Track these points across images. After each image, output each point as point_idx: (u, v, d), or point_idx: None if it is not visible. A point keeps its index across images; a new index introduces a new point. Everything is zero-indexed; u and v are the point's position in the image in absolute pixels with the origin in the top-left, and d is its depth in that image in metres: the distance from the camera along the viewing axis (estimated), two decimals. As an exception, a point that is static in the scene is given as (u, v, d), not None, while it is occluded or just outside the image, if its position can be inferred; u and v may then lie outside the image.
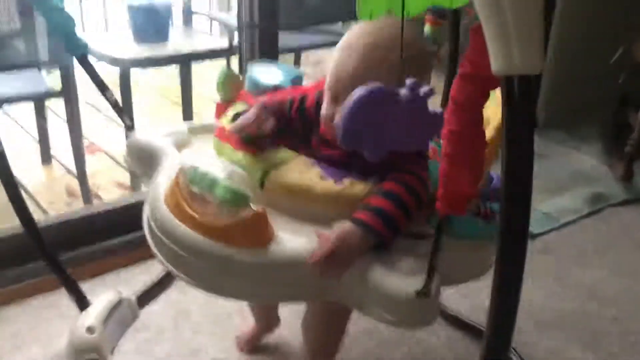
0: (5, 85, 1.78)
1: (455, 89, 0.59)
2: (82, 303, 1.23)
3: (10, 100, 1.84)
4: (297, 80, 1.10)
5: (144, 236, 1.48)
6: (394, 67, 0.79)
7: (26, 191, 1.95)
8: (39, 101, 1.94)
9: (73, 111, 1.82)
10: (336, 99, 0.83)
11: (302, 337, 1.05)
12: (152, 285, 1.40)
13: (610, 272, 1.55)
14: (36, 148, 2.23)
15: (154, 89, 3.06)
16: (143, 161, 1.00)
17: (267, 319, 1.24)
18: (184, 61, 1.94)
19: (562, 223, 1.76)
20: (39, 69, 1.92)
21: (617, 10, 2.29)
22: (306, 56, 2.59)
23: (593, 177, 2.05)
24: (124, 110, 1.12)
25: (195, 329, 1.29)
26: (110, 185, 2.05)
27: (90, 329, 1.17)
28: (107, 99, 1.08)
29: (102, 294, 1.27)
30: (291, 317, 1.31)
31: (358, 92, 0.69)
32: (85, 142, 2.12)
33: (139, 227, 1.49)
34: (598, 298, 1.45)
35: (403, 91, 0.72)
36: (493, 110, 0.92)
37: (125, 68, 1.77)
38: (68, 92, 1.76)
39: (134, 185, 1.94)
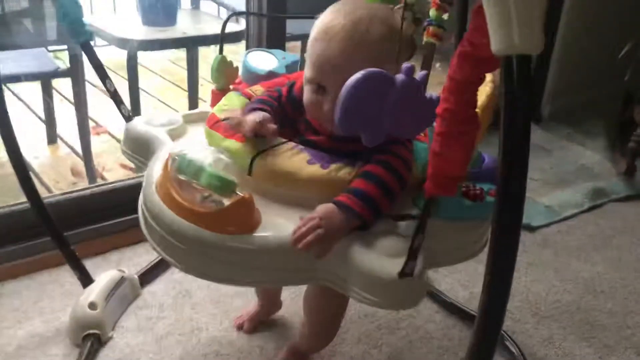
0: (13, 64, 1.79)
1: (453, 68, 0.60)
2: (86, 280, 1.26)
3: (18, 78, 1.85)
4: (292, 66, 1.11)
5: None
6: (373, 49, 0.80)
7: (32, 170, 1.97)
8: (46, 80, 1.95)
9: (80, 91, 1.83)
10: (321, 88, 0.83)
11: (303, 315, 1.06)
12: (154, 264, 1.42)
13: (609, 266, 1.56)
14: (42, 128, 2.25)
15: (160, 72, 3.07)
16: (139, 150, 1.02)
17: (270, 302, 1.26)
18: (192, 44, 1.94)
19: (563, 217, 1.77)
20: (47, 49, 1.93)
21: (625, 6, 2.28)
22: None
23: (596, 172, 2.05)
24: (130, 93, 1.14)
25: (196, 308, 1.31)
26: (115, 166, 2.07)
27: (92, 305, 1.19)
28: (107, 87, 1.09)
29: (105, 272, 1.29)
30: (289, 298, 1.33)
31: (355, 76, 0.70)
32: (91, 124, 2.13)
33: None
34: (596, 291, 1.46)
35: (399, 76, 0.73)
36: (481, 90, 0.92)
37: (132, 50, 1.77)
38: (76, 72, 1.77)
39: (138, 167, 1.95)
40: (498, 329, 0.63)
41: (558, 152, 2.18)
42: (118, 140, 2.28)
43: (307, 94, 0.86)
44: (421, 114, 0.75)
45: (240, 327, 1.25)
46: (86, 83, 1.93)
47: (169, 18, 1.94)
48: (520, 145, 0.52)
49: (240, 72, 1.10)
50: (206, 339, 1.22)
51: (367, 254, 0.74)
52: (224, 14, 2.87)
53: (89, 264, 1.31)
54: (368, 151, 0.82)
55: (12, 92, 2.54)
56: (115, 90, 1.09)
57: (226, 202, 0.76)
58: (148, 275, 1.39)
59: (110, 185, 1.59)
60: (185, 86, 2.75)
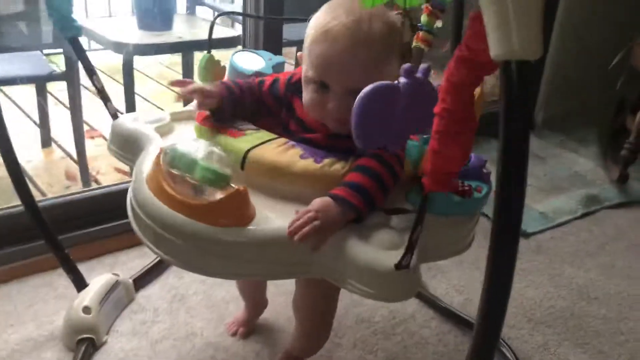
0: (8, 67, 1.78)
1: (451, 71, 0.61)
2: (80, 284, 1.25)
3: (13, 81, 1.85)
4: (278, 67, 1.12)
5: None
6: (375, 47, 0.81)
7: (25, 173, 1.96)
8: (41, 84, 1.94)
9: (75, 95, 1.83)
10: (324, 86, 0.84)
11: (295, 315, 1.06)
12: (148, 268, 1.42)
13: (602, 273, 1.57)
14: (36, 131, 2.24)
15: (155, 76, 3.07)
16: (126, 148, 1.01)
17: (255, 301, 1.26)
18: (188, 49, 1.94)
19: (557, 223, 1.78)
20: (42, 52, 1.93)
21: (618, 16, 2.30)
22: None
23: (589, 179, 2.06)
24: (126, 96, 1.14)
25: (191, 313, 1.30)
26: (109, 170, 2.06)
27: (86, 309, 1.19)
28: (94, 84, 1.09)
29: (99, 276, 1.29)
30: (284, 303, 1.33)
31: (361, 96, 0.71)
32: (85, 127, 2.13)
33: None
34: (590, 298, 1.47)
35: (401, 79, 0.74)
36: None
37: (128, 55, 1.77)
38: (71, 76, 1.77)
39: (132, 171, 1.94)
40: (497, 335, 0.63)
41: (551, 159, 2.19)
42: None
43: (309, 94, 0.87)
44: (431, 106, 0.76)
45: (234, 334, 1.24)
46: (81, 87, 1.93)
47: (165, 23, 1.94)
48: (519, 151, 0.53)
49: (227, 72, 1.11)
50: (201, 344, 1.22)
51: (363, 247, 0.75)
52: (220, 19, 2.89)
53: (83, 268, 1.30)
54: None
55: (6, 95, 2.54)
56: (102, 87, 1.09)
57: (220, 195, 0.76)
58: (142, 279, 1.39)
59: (104, 189, 1.59)
60: (178, 90, 2.76)
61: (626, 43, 2.11)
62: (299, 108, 0.92)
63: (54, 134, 2.22)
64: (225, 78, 1.10)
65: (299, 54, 0.91)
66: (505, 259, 0.57)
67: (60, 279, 1.35)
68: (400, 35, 0.86)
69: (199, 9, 2.68)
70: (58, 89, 2.45)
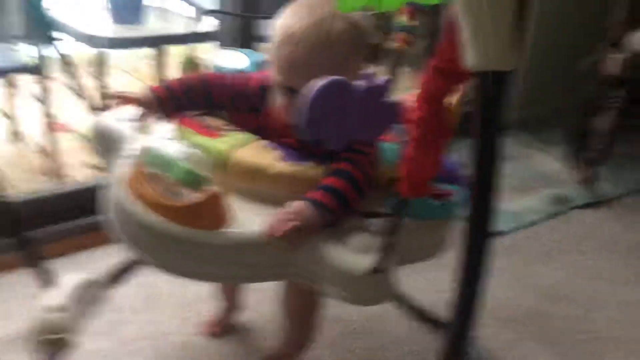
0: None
1: (425, 80, 0.62)
2: (50, 282, 1.23)
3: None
4: (262, 66, 1.12)
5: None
6: (338, 48, 0.81)
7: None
8: (10, 76, 1.90)
9: (46, 89, 1.79)
10: (291, 91, 0.84)
11: (282, 315, 1.07)
12: (122, 266, 1.39)
13: (570, 272, 1.61)
14: (3, 124, 2.19)
15: (127, 69, 3.03)
16: (106, 144, 1.00)
17: (232, 302, 1.26)
18: (162, 43, 1.92)
19: (528, 222, 1.81)
20: (13, 45, 1.88)
21: (588, 21, 2.35)
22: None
23: (557, 179, 2.11)
24: (100, 90, 1.12)
25: (166, 312, 1.30)
26: (79, 165, 2.03)
27: (56, 308, 1.16)
28: (73, 79, 1.08)
29: (70, 274, 1.27)
30: (259, 301, 1.33)
31: (315, 85, 0.72)
32: (57, 122, 2.09)
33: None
34: (555, 297, 1.50)
35: (359, 82, 0.75)
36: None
37: (102, 48, 1.75)
38: (43, 69, 1.73)
39: (105, 167, 1.92)
40: (468, 333, 0.65)
41: (521, 159, 2.23)
42: (84, 139, 2.24)
43: (278, 98, 0.87)
44: (383, 117, 0.77)
45: (208, 334, 1.24)
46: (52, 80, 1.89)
47: (138, 16, 1.91)
48: (492, 158, 0.54)
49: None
50: (175, 343, 1.21)
51: (339, 250, 0.76)
52: (194, 13, 2.85)
53: (54, 266, 1.28)
54: (338, 152, 0.84)
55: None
56: (82, 83, 1.08)
57: (197, 196, 0.76)
58: (115, 278, 1.36)
59: (76, 185, 1.57)
60: (152, 84, 2.73)
61: (595, 47, 2.15)
62: (270, 116, 0.92)
63: (23, 127, 2.18)
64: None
65: (266, 58, 0.91)
66: (477, 259, 0.58)
67: (27, 277, 1.32)
68: (364, 34, 0.87)
69: (170, 3, 2.64)
70: (28, 82, 2.41)
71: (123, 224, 0.80)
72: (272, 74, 0.87)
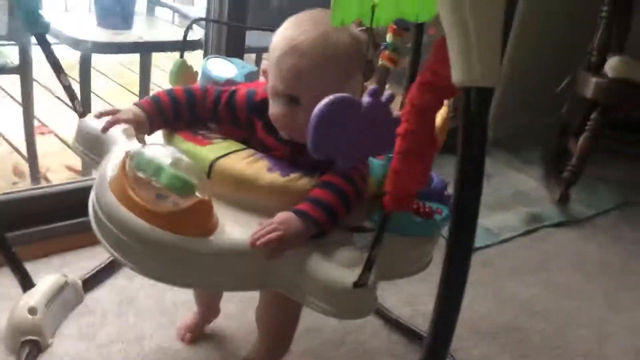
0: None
1: (413, 94, 0.64)
2: (26, 283, 1.22)
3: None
4: (251, 76, 1.13)
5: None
6: (343, 60, 0.83)
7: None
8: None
9: (27, 89, 1.78)
10: (293, 100, 0.85)
11: (257, 325, 1.07)
12: (98, 270, 1.39)
13: (542, 288, 1.64)
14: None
15: (110, 74, 3.02)
16: (92, 148, 1.00)
17: (209, 308, 1.26)
18: (148, 50, 1.92)
19: (502, 239, 1.84)
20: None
21: (565, 42, 2.42)
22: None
23: (532, 198, 2.15)
24: (82, 94, 1.12)
25: (141, 316, 1.29)
26: (59, 168, 2.01)
27: (32, 310, 1.16)
28: (61, 82, 1.07)
29: (47, 276, 1.26)
30: (235, 308, 1.33)
31: (320, 105, 0.73)
32: (36, 123, 2.07)
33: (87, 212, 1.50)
34: (530, 312, 1.53)
35: (365, 98, 0.77)
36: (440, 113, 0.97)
37: (86, 52, 1.74)
38: (25, 69, 1.72)
39: (85, 169, 1.91)
40: (447, 347, 0.66)
41: (498, 177, 2.27)
42: (63, 141, 2.23)
43: (277, 107, 0.87)
44: (389, 133, 0.79)
45: (183, 339, 1.24)
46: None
47: (125, 22, 1.91)
48: (475, 171, 0.56)
49: (198, 78, 1.11)
50: (150, 348, 1.21)
51: (323, 263, 0.76)
52: (178, 20, 2.86)
53: (30, 268, 1.26)
54: (326, 163, 0.85)
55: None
56: (69, 85, 1.08)
57: (184, 203, 0.76)
58: (92, 281, 1.36)
59: (55, 187, 1.56)
60: (135, 90, 2.72)
61: (572, 69, 2.22)
62: (260, 130, 0.92)
63: (0, 128, 2.15)
64: (197, 84, 1.10)
65: (262, 67, 0.92)
66: (458, 274, 0.60)
67: (4, 278, 1.30)
68: (364, 49, 0.89)
69: (157, 10, 2.65)
70: (6, 83, 2.38)
71: (107, 228, 0.79)
72: (270, 83, 0.87)
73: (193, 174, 0.78)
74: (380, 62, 1.17)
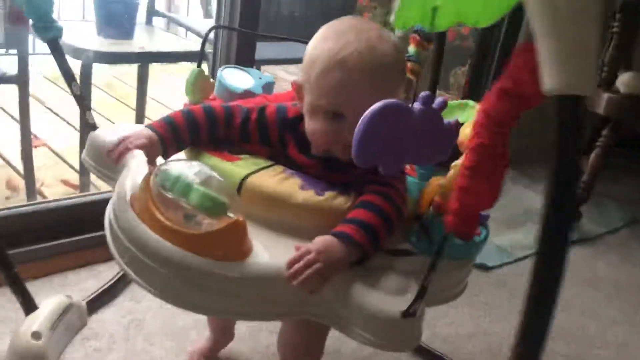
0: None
1: (489, 103, 0.59)
2: (29, 306, 1.13)
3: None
4: (268, 87, 1.08)
5: (93, 238, 1.41)
6: (389, 70, 0.78)
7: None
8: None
9: (24, 100, 1.70)
10: (337, 116, 0.79)
11: (279, 354, 1.00)
12: (102, 290, 1.32)
13: (560, 309, 1.57)
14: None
15: (103, 87, 2.94)
16: (104, 163, 0.92)
17: (223, 333, 1.19)
18: (150, 60, 1.86)
19: (516, 258, 1.80)
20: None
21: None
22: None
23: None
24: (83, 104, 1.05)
25: (149, 340, 1.21)
26: (55, 182, 1.93)
27: (36, 335, 1.07)
28: (73, 91, 1.01)
29: (50, 297, 1.17)
30: (247, 330, 1.27)
31: (372, 108, 0.67)
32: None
33: (89, 229, 1.42)
34: (551, 334, 1.47)
35: (417, 104, 0.71)
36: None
37: (87, 61, 1.67)
38: (22, 79, 1.64)
39: (83, 185, 1.83)
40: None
41: (506, 195, 2.23)
42: (57, 155, 2.14)
43: (317, 124, 0.81)
44: (439, 142, 0.73)
45: (194, 364, 1.16)
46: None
47: (127, 31, 1.85)
48: (570, 186, 0.51)
49: (215, 89, 1.06)
50: (160, 375, 1.13)
51: (368, 291, 0.71)
52: (175, 31, 2.81)
53: (30, 288, 1.18)
54: (361, 182, 0.80)
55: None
56: (81, 94, 1.01)
57: (216, 224, 0.69)
58: (96, 302, 1.28)
59: (53, 203, 1.47)
60: (128, 102, 2.65)
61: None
62: (292, 148, 0.87)
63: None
64: (213, 94, 1.05)
65: (293, 81, 0.86)
66: (549, 291, 0.55)
67: (2, 300, 1.22)
68: (404, 58, 0.84)
69: (154, 20, 2.60)
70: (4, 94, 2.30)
71: (127, 249, 0.72)
72: (309, 99, 0.81)
73: (224, 192, 0.71)
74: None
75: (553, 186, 0.51)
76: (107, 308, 1.29)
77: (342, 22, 0.82)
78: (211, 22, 2.11)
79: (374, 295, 0.70)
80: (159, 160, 0.85)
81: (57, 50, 0.98)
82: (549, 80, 0.50)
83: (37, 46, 2.24)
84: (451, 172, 0.78)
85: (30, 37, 1.78)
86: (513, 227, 1.97)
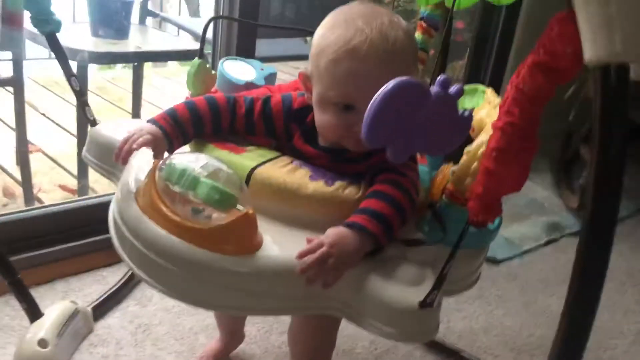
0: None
1: (521, 79, 0.55)
2: (34, 312, 1.10)
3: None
4: (270, 78, 1.05)
5: (95, 242, 1.38)
6: (402, 56, 0.75)
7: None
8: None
9: (20, 103, 1.65)
10: (349, 107, 0.76)
11: (290, 350, 0.97)
12: (107, 295, 1.28)
13: (572, 299, 1.57)
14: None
15: (95, 90, 2.89)
16: (105, 158, 0.89)
17: (234, 334, 1.15)
18: (146, 60, 1.82)
19: (524, 250, 1.78)
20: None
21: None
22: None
23: (547, 207, 2.09)
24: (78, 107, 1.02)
25: (158, 344, 1.18)
26: (52, 188, 1.89)
27: (42, 342, 1.04)
28: (72, 86, 0.99)
29: (55, 304, 1.14)
30: (257, 331, 1.23)
31: (387, 85, 0.63)
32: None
33: (91, 233, 1.39)
34: (564, 325, 1.45)
35: (434, 88, 0.68)
36: (488, 112, 0.90)
37: (83, 62, 1.63)
38: (18, 81, 1.60)
39: (81, 190, 1.79)
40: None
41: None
42: (53, 160, 2.10)
43: (327, 115, 0.78)
44: (451, 132, 0.70)
45: (204, 367, 1.13)
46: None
47: (122, 31, 1.81)
48: (617, 163, 0.48)
49: (217, 82, 1.03)
50: (173, 379, 1.10)
51: (384, 282, 0.68)
52: (167, 29, 2.77)
53: (39, 293, 1.16)
54: (371, 172, 0.77)
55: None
56: (81, 89, 0.99)
57: (225, 217, 0.66)
58: (101, 308, 1.25)
59: (53, 208, 1.43)
60: (122, 105, 2.61)
61: (579, 75, 2.17)
62: (298, 139, 0.84)
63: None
64: (215, 87, 1.02)
65: (301, 72, 0.83)
66: (593, 283, 0.52)
67: (6, 308, 1.18)
68: (416, 43, 0.81)
69: (147, 20, 2.56)
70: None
71: (133, 246, 0.69)
72: (318, 90, 0.78)
73: (232, 185, 0.68)
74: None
75: (597, 171, 0.48)
76: (112, 313, 1.25)
77: (351, 8, 0.78)
78: (202, 21, 2.08)
79: (390, 287, 0.68)
80: (165, 155, 0.82)
81: (56, 44, 0.96)
82: (592, 49, 0.47)
83: (29, 51, 2.20)
84: (464, 158, 0.76)
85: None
86: (517, 219, 1.94)
